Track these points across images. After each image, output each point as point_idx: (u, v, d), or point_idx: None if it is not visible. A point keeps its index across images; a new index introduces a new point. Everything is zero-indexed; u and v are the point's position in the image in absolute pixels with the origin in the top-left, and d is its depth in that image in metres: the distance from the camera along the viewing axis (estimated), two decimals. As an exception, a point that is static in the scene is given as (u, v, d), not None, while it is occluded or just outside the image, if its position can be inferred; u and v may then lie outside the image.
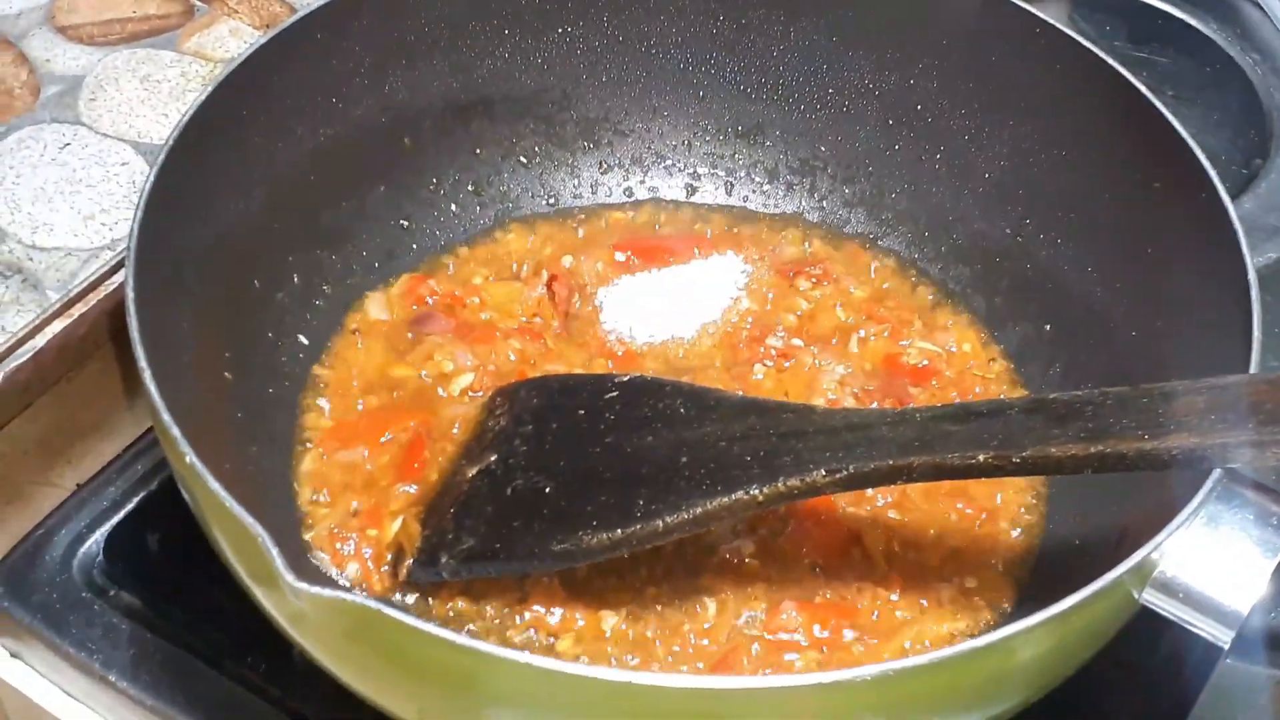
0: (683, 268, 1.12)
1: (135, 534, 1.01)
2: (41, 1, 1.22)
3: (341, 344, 1.05)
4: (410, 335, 1.05)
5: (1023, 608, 0.92)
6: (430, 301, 1.07)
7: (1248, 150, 1.34)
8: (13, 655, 0.98)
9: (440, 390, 1.01)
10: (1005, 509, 0.98)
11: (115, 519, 1.01)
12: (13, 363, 0.96)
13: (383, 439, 0.98)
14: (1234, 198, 0.92)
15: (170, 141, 0.90)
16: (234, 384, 0.94)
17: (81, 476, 1.04)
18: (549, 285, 1.07)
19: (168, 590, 0.98)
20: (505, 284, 1.09)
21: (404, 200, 1.10)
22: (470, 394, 1.01)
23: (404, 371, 1.03)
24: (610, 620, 0.89)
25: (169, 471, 1.02)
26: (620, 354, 1.05)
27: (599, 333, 1.07)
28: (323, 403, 1.01)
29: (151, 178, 0.87)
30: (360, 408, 1.01)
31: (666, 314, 1.09)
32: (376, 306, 1.06)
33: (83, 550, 0.99)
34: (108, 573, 0.98)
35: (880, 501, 0.97)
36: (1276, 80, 1.41)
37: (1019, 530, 0.97)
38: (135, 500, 1.02)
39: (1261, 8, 1.46)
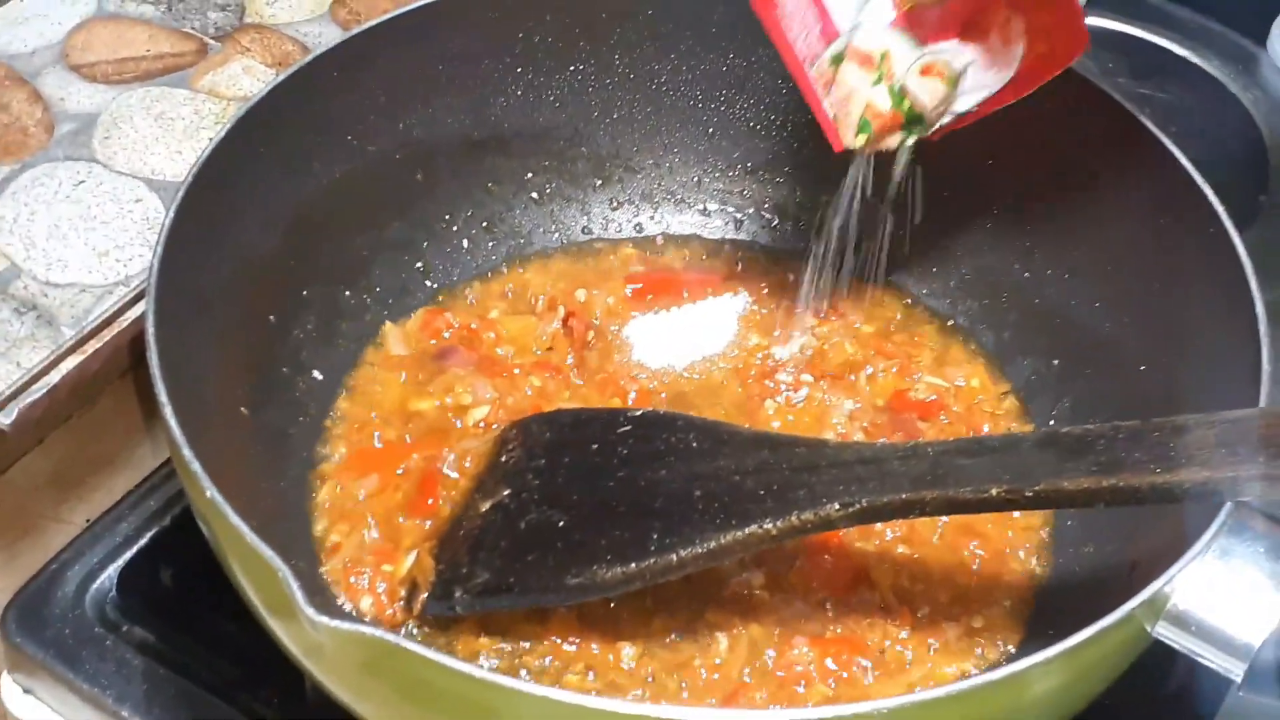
0: (693, 303, 1.13)
1: (148, 569, 1.01)
2: (55, 40, 1.23)
3: (359, 378, 1.05)
4: (433, 368, 1.05)
5: (1026, 648, 0.92)
6: (447, 335, 1.08)
7: (1251, 186, 1.35)
8: (26, 691, 0.98)
9: (457, 422, 1.02)
10: (1013, 545, 0.98)
11: (128, 554, 1.01)
12: (27, 399, 0.96)
13: (398, 471, 0.99)
14: (1239, 233, 0.92)
15: (189, 178, 0.91)
16: (251, 418, 0.95)
17: (92, 512, 1.04)
18: (565, 321, 1.08)
19: (181, 625, 0.98)
20: (520, 317, 1.09)
21: (419, 236, 1.11)
22: (484, 427, 1.01)
23: (422, 404, 1.03)
24: (626, 652, 0.89)
25: (182, 507, 1.02)
26: (631, 390, 1.06)
27: (611, 367, 1.07)
28: (339, 436, 1.02)
29: (171, 214, 0.88)
30: (376, 441, 1.01)
31: (677, 349, 1.09)
32: (395, 341, 1.07)
33: (95, 585, 0.99)
34: (121, 608, 0.98)
35: (889, 535, 0.97)
36: (1278, 116, 1.42)
37: (1026, 568, 0.97)
38: (148, 536, 1.02)
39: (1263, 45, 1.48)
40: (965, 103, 0.92)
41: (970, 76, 0.90)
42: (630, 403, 1.05)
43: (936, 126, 0.92)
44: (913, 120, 0.91)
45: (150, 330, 0.82)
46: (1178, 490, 0.75)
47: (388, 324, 1.08)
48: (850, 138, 0.93)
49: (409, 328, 1.08)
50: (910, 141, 0.93)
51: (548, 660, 0.89)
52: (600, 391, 1.05)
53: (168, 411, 0.78)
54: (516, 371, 1.05)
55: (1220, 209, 0.93)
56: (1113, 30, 1.50)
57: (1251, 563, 0.76)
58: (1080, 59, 0.88)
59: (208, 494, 0.75)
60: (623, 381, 1.06)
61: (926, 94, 0.89)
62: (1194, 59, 1.47)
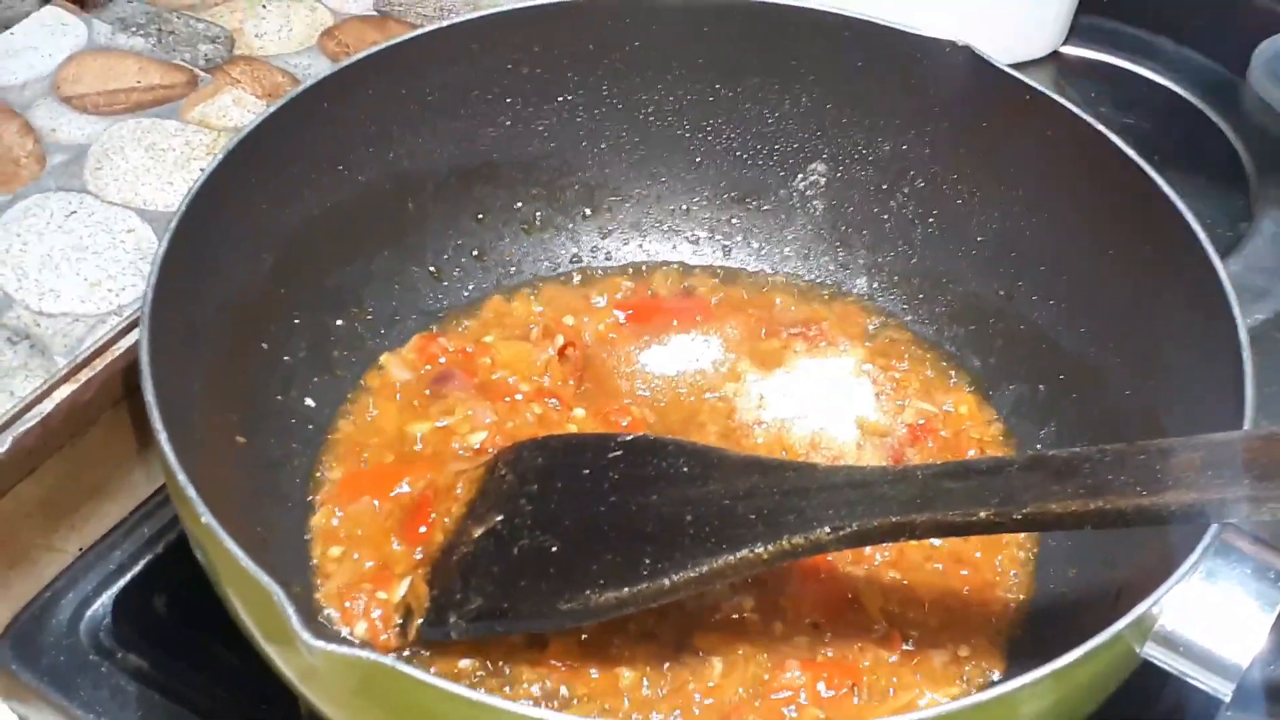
0: (682, 330, 1.14)
1: (142, 596, 1.01)
2: (46, 72, 1.23)
3: (353, 405, 1.05)
4: (429, 392, 1.05)
5: (1011, 674, 0.92)
6: (442, 360, 1.08)
7: (1232, 214, 1.36)
8: (21, 719, 0.98)
9: (454, 445, 1.02)
10: (999, 570, 0.99)
11: (122, 581, 1.02)
12: (20, 427, 0.96)
13: (391, 494, 0.99)
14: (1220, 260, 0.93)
15: (183, 208, 0.91)
16: (245, 446, 0.95)
17: (85, 541, 1.05)
18: (562, 351, 1.08)
19: (175, 651, 0.98)
20: (516, 343, 1.09)
21: (409, 265, 1.12)
22: (480, 451, 1.01)
23: (419, 427, 1.03)
24: (626, 677, 0.90)
25: (175, 534, 1.03)
26: (624, 419, 1.06)
27: (603, 395, 1.08)
28: (334, 461, 1.02)
29: (165, 243, 0.89)
30: (371, 466, 1.01)
31: (666, 375, 1.10)
32: (395, 366, 1.07)
33: (90, 613, 1.00)
34: (115, 635, 0.99)
35: (878, 559, 0.98)
36: (1258, 145, 1.43)
37: (1012, 595, 0.98)
38: (142, 563, 1.03)
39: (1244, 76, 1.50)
40: None
41: None
42: (622, 429, 1.05)
43: None
44: None
45: (144, 358, 0.83)
46: (1164, 512, 0.76)
47: (380, 352, 1.08)
48: None
49: (404, 353, 1.08)
50: None
51: (546, 684, 0.89)
52: (591, 417, 1.06)
53: (163, 438, 0.79)
54: (519, 398, 1.05)
55: (1203, 235, 0.93)
56: (1095, 60, 1.51)
57: (1238, 583, 0.77)
58: (1063, 89, 0.88)
59: (203, 519, 0.76)
60: (612, 416, 1.06)
61: None
62: (1176, 89, 1.49)
